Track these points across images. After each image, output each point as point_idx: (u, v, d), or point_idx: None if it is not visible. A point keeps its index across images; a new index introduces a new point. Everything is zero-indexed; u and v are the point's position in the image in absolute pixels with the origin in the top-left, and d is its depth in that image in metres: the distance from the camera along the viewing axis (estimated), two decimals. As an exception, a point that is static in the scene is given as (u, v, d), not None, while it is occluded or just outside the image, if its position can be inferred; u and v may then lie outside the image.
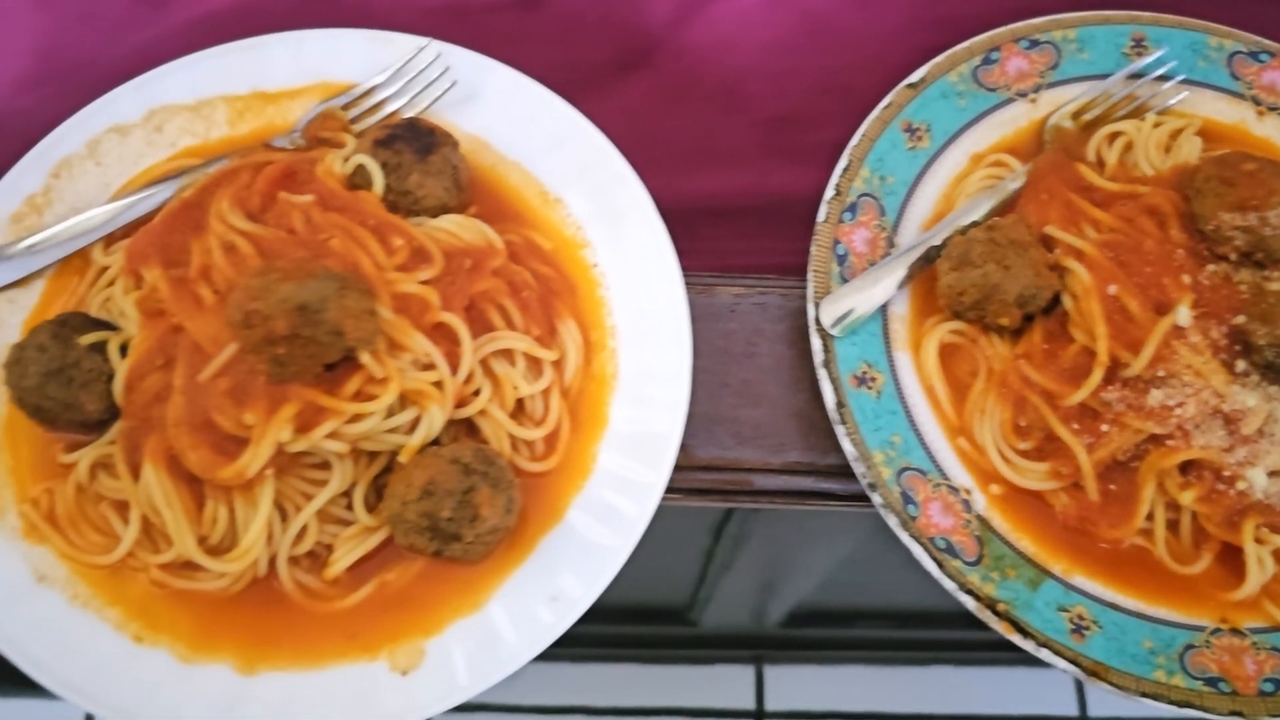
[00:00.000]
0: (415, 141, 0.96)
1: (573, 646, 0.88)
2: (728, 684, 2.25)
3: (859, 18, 1.20)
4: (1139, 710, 0.91)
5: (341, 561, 0.89)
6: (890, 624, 2.18)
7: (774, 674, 2.27)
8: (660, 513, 0.92)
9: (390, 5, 1.16)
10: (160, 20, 1.17)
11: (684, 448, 0.94)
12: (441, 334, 0.90)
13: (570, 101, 1.04)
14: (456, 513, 0.84)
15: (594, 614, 0.90)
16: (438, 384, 0.89)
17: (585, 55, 1.16)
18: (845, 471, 0.98)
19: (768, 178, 1.13)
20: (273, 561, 0.90)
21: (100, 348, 0.90)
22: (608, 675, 2.14)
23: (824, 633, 2.22)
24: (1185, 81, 1.08)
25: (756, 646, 2.27)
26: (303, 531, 0.89)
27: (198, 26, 1.16)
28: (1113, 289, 0.92)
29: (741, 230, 1.09)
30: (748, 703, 2.26)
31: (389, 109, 1.05)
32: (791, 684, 2.27)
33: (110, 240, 0.99)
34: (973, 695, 2.24)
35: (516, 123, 1.04)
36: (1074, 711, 2.26)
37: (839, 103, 1.14)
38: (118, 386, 0.88)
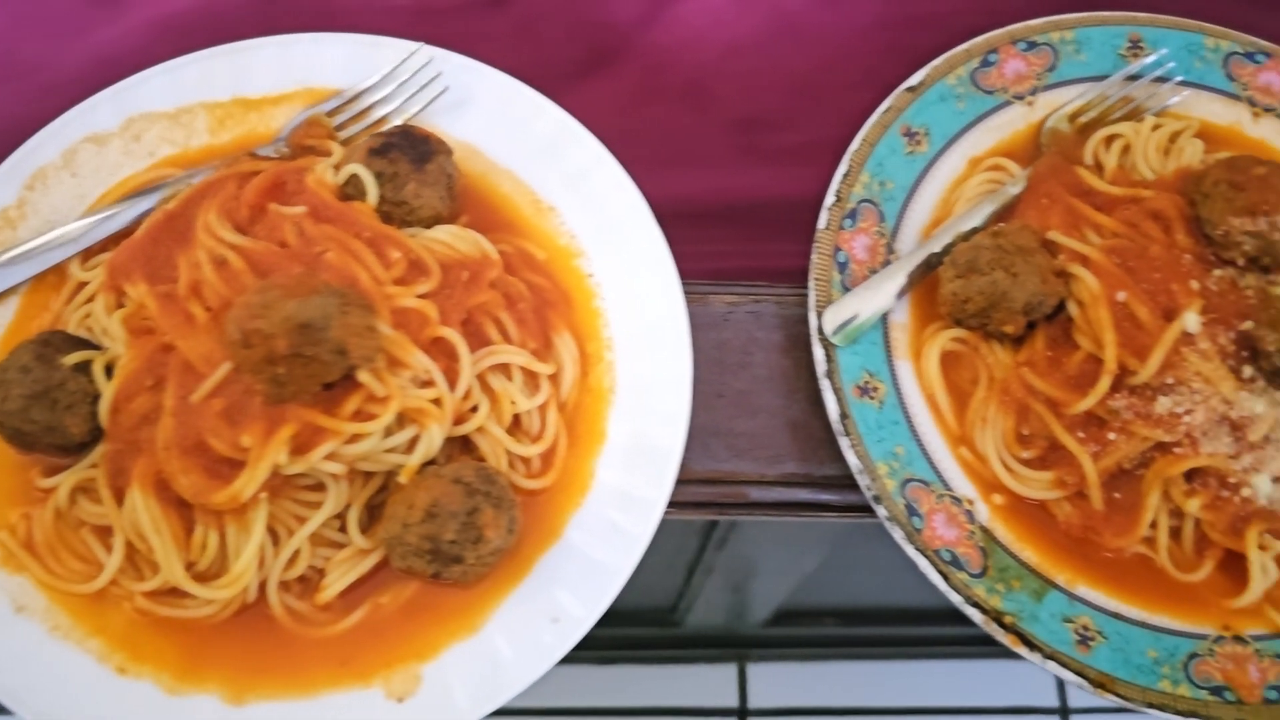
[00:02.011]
0: (411, 150, 0.92)
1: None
2: (711, 683, 2.25)
3: (827, 17, 1.18)
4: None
5: (335, 585, 0.87)
6: (870, 621, 2.18)
7: (757, 672, 2.27)
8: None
9: (354, 6, 1.12)
10: (116, 21, 1.13)
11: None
12: (439, 349, 0.88)
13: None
14: (460, 535, 0.81)
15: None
16: (436, 401, 0.86)
17: (551, 55, 1.13)
18: (841, 483, 0.96)
19: (740, 180, 1.11)
20: (262, 587, 0.87)
21: (84, 368, 0.86)
22: (592, 677, 2.13)
23: (805, 631, 2.22)
24: (1182, 83, 1.07)
25: (739, 645, 2.27)
26: (294, 555, 0.86)
27: (156, 27, 1.12)
28: (1122, 295, 0.91)
29: (716, 234, 1.06)
30: (731, 701, 2.25)
31: (376, 115, 1.01)
32: (774, 682, 2.26)
33: (88, 254, 0.95)
34: (954, 688, 2.25)
35: (509, 129, 1.01)
36: (1054, 703, 2.28)
37: (809, 103, 1.13)
38: (104, 408, 0.85)
